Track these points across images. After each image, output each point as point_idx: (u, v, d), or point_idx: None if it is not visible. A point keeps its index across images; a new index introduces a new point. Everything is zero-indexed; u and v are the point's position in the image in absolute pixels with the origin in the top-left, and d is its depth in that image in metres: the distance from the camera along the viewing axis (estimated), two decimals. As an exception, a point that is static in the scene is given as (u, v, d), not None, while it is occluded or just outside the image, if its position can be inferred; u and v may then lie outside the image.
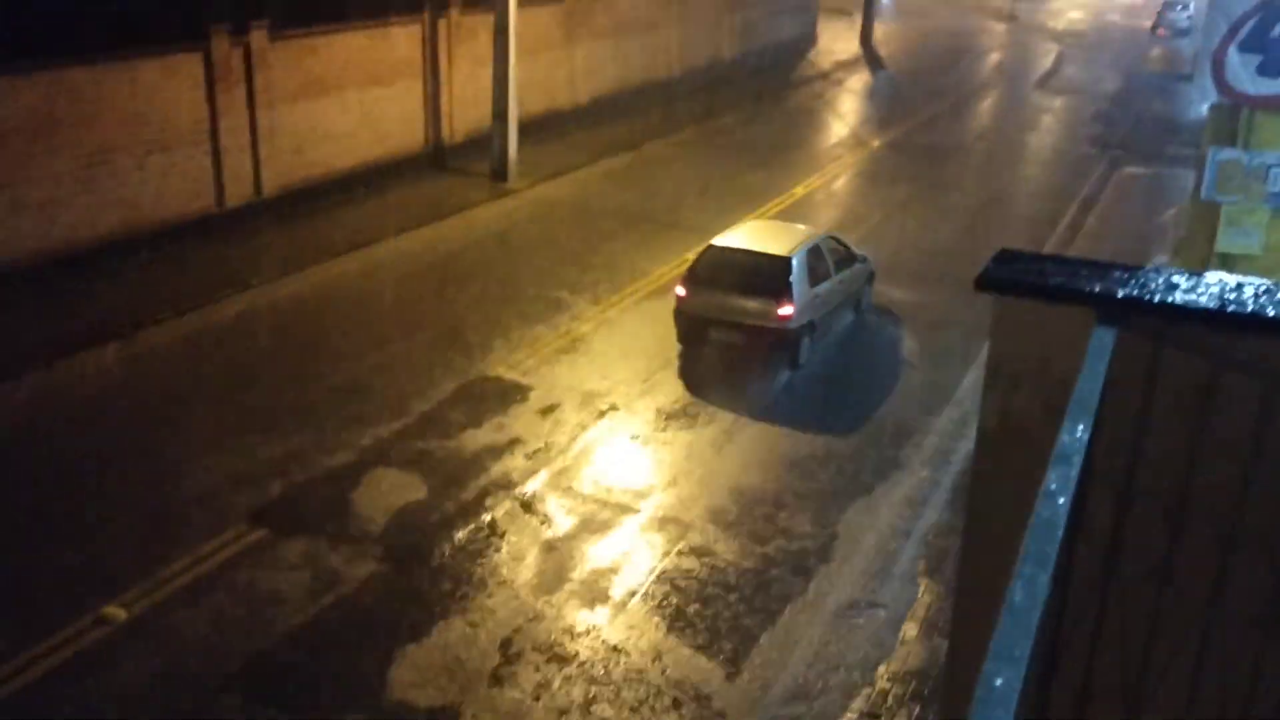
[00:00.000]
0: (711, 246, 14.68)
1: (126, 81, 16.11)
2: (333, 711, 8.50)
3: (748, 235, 15.09)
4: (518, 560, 10.33)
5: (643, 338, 15.18)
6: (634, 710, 8.59)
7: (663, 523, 11.04)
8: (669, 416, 13.10)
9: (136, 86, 16.26)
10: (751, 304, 13.82)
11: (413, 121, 21.80)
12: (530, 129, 23.09)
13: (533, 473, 11.77)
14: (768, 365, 14.30)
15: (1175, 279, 3.11)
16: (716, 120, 28.84)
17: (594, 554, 10.49)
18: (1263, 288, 3.09)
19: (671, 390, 13.74)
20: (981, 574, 3.26)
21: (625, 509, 11.23)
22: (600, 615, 9.64)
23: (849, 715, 8.60)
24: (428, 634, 9.29)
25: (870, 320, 16.24)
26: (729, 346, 14.20)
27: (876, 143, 27.77)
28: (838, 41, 42.07)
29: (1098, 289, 3.03)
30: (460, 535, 10.65)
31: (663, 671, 8.99)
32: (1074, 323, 2.97)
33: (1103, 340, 2.86)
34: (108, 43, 15.75)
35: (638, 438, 12.66)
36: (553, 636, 9.34)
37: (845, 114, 32.30)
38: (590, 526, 10.91)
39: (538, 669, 8.96)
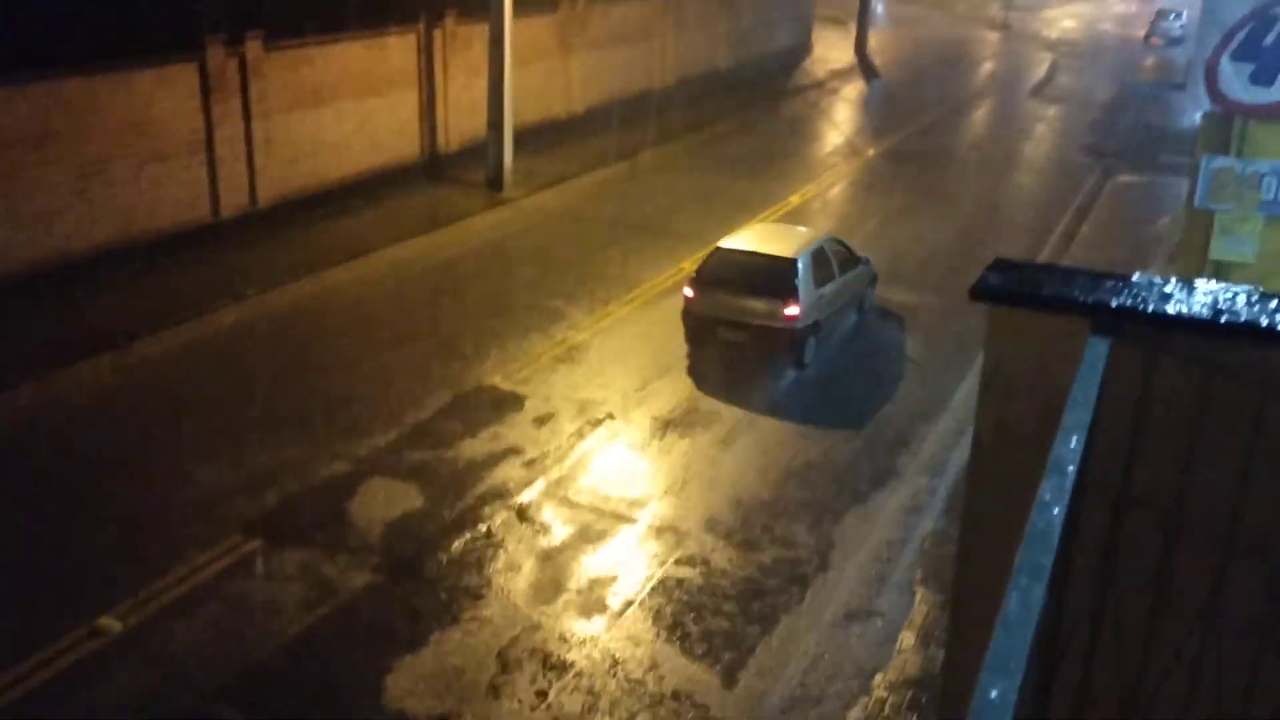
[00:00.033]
0: (719, 248, 14.98)
1: (122, 92, 16.12)
2: (329, 723, 8.48)
3: (754, 237, 15.45)
4: (514, 570, 10.31)
5: (639, 346, 15.19)
6: (631, 720, 8.57)
7: (659, 532, 11.03)
8: (665, 425, 13.10)
9: (132, 97, 16.27)
10: (758, 304, 14.12)
11: (408, 131, 21.83)
12: (525, 138, 23.13)
13: (529, 482, 11.76)
14: (772, 365, 14.52)
15: (1168, 288, 3.12)
16: (712, 129, 28.89)
17: (591, 563, 10.48)
18: (1255, 296, 3.10)
19: (668, 398, 13.74)
20: (978, 583, 3.27)
21: (622, 518, 11.22)
22: (597, 625, 9.63)
23: (846, 724, 8.59)
24: (424, 644, 9.27)
25: (872, 321, 16.50)
26: (736, 345, 14.49)
27: (871, 151, 27.83)
28: (832, 50, 42.19)
29: (1092, 298, 3.04)
30: (457, 545, 10.64)
31: (660, 681, 8.98)
32: (1068, 332, 2.98)
33: (1097, 349, 2.87)
34: (103, 53, 15.76)
35: (634, 446, 12.66)
36: (550, 646, 9.32)
37: (840, 122, 32.38)
38: (587, 536, 10.89)
39: (535, 679, 8.94)
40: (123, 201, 16.38)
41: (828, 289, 14.70)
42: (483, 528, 10.92)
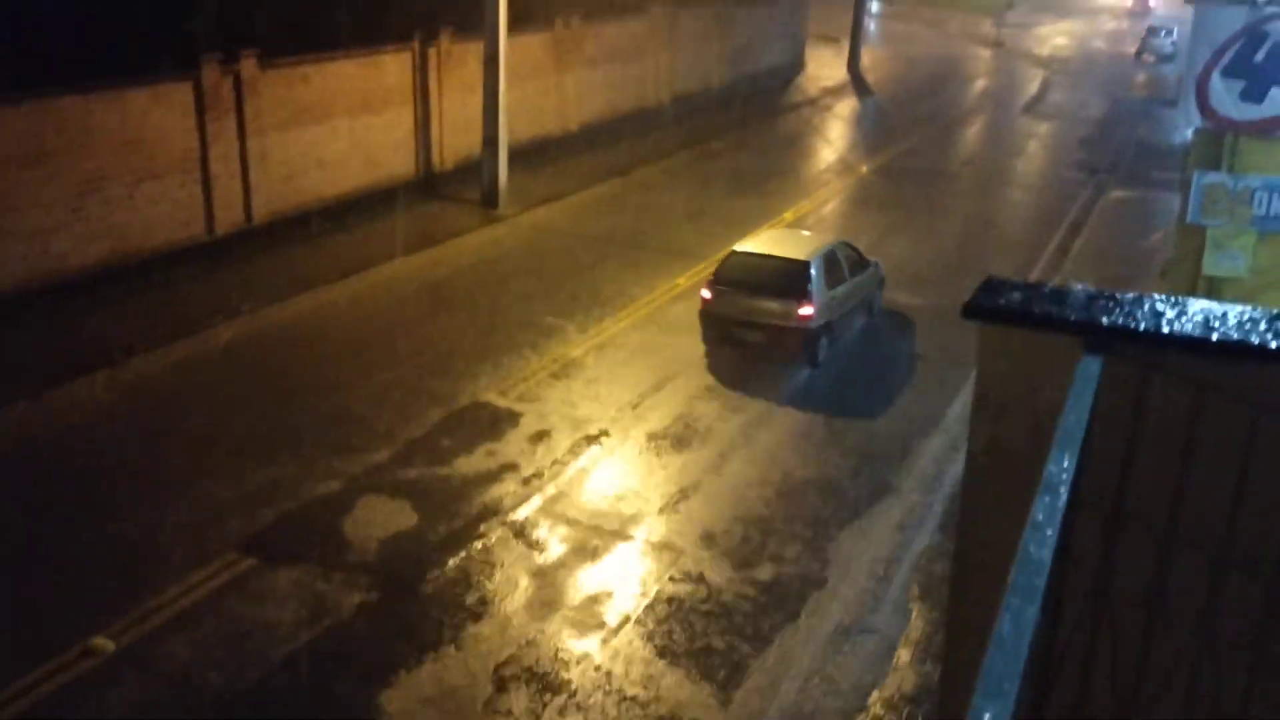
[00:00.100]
0: (735, 252, 15.59)
1: (117, 110, 16.14)
2: (323, 742, 8.44)
3: (768, 242, 16.12)
4: (510, 587, 10.29)
5: (634, 362, 15.20)
6: (627, 739, 8.54)
7: (655, 548, 11.01)
8: (661, 440, 13.10)
9: (127, 115, 16.29)
10: (773, 305, 14.65)
11: (403, 149, 21.87)
12: (520, 156, 23.18)
13: (524, 499, 11.74)
14: (786, 364, 15.04)
15: (1160, 306, 3.13)
16: (706, 146, 28.98)
17: (586, 581, 10.46)
18: (1247, 314, 3.11)
19: (664, 414, 13.74)
20: (972, 602, 3.26)
21: (617, 535, 11.20)
22: (593, 642, 9.60)
23: (843, 742, 8.56)
24: (420, 663, 9.24)
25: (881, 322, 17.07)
26: (753, 345, 15.03)
27: (865, 168, 27.92)
28: (825, 68, 42.37)
29: (1083, 317, 3.05)
30: (452, 563, 10.61)
31: (656, 699, 8.95)
32: (1060, 351, 2.99)
33: (1089, 368, 2.87)
34: (98, 71, 15.78)
35: (630, 462, 12.65)
36: (546, 665, 9.29)
37: (834, 139, 32.50)
38: (582, 553, 10.87)
39: (530, 698, 8.91)
40: (118, 219, 16.39)
41: (839, 290, 15.29)
42: (478, 545, 10.90)
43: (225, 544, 10.65)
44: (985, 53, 53.75)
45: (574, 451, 12.77)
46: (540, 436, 13.06)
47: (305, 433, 12.82)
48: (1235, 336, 2.96)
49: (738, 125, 31.69)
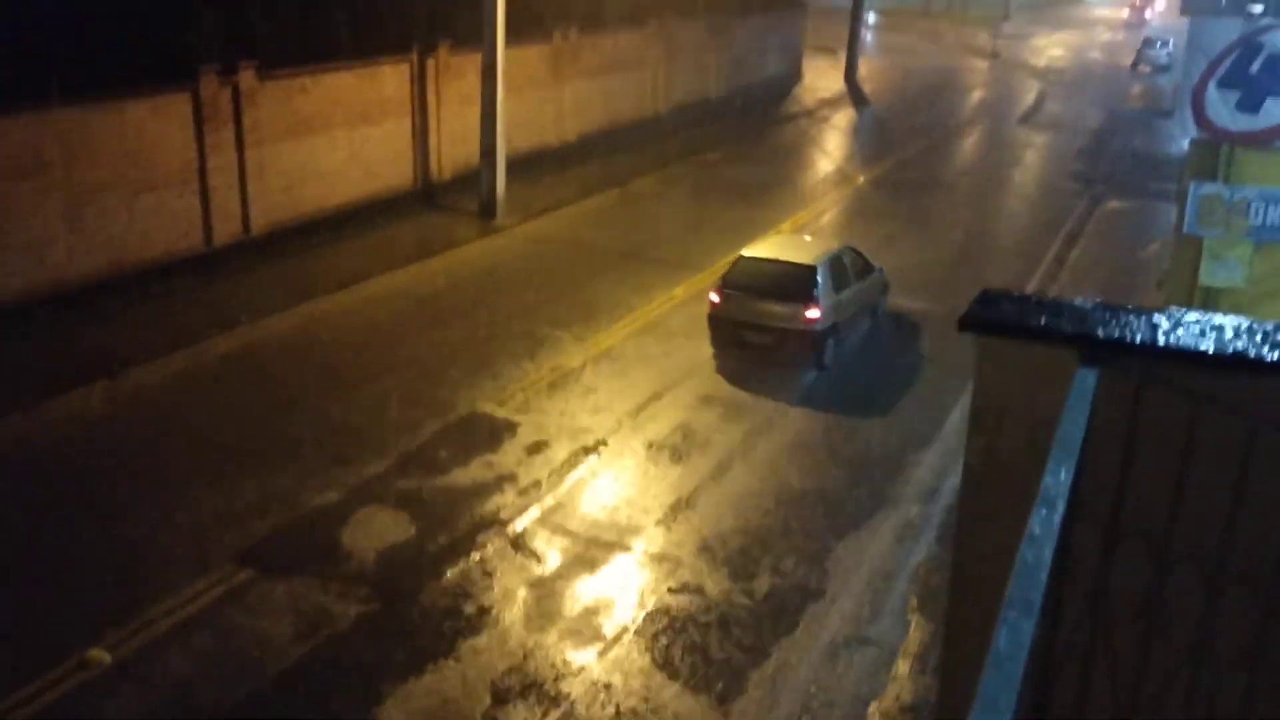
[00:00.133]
0: (743, 257, 15.87)
1: (115, 121, 16.16)
2: (320, 754, 8.41)
3: (775, 246, 16.39)
4: (508, 599, 10.27)
5: (632, 373, 15.20)
6: (625, 750, 8.52)
7: (653, 559, 11.00)
8: (659, 451, 13.09)
9: (125, 126, 16.31)
10: (780, 308, 14.89)
11: (401, 159, 21.89)
12: (518, 166, 23.21)
13: (522, 510, 11.73)
14: (793, 367, 15.26)
15: (1157, 319, 3.14)
16: (703, 157, 29.04)
17: (585, 592, 10.44)
18: (1244, 326, 3.12)
19: (662, 424, 13.74)
20: (969, 615, 3.27)
21: (616, 546, 11.19)
22: (591, 654, 9.59)
23: (841, 753, 8.54)
24: (417, 675, 9.21)
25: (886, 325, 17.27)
26: (760, 347, 15.25)
27: (862, 178, 27.97)
28: (822, 79, 42.48)
29: (1079, 329, 3.06)
30: (450, 574, 10.59)
31: (654, 711, 8.93)
32: (1056, 363, 3.00)
33: (1085, 380, 2.88)
34: (96, 83, 15.81)
35: (628, 473, 12.64)
36: (544, 676, 9.27)
37: (831, 150, 32.57)
38: (581, 564, 10.86)
39: (529, 709, 8.89)
40: (116, 230, 16.39)
41: (845, 294, 15.53)
42: (476, 556, 10.89)
43: (223, 555, 10.63)
44: (982, 64, 53.91)
45: (572, 462, 12.76)
46: (538, 447, 13.05)
47: (303, 443, 12.81)
48: (1231, 349, 2.97)
49: (735, 136, 31.76)
